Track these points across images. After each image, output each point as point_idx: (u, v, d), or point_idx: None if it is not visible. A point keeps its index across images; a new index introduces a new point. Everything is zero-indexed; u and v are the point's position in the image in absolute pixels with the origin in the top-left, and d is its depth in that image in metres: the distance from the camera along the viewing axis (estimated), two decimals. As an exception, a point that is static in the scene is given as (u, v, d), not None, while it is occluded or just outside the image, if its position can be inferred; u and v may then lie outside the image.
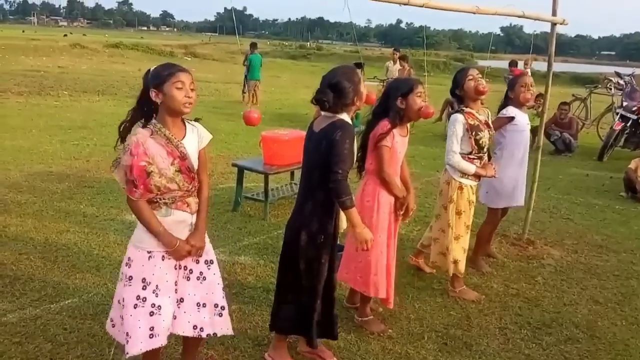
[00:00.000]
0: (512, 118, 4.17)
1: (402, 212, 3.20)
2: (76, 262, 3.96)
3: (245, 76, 13.99)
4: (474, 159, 3.57)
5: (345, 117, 2.61)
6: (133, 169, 2.19)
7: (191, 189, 2.35)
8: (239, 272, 3.95)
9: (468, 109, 3.57)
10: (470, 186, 3.62)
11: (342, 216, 2.67)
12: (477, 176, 3.62)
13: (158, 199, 2.28)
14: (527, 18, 4.17)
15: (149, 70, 2.32)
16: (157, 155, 2.24)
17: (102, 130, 9.16)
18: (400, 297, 3.62)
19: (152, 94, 2.27)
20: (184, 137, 2.34)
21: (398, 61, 12.04)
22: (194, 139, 2.39)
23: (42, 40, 31.12)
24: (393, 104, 3.06)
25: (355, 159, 3.20)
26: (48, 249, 4.17)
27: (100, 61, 24.70)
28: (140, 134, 2.24)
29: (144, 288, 2.30)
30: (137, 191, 2.22)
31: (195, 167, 2.36)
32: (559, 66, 35.12)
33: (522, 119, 4.15)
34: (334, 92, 2.58)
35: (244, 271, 3.95)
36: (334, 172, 2.46)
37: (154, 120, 2.30)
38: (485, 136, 3.57)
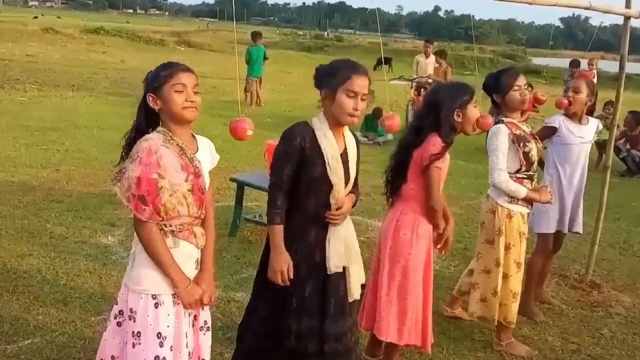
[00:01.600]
0: (554, 129, 4.15)
1: (440, 245, 3.21)
2: (39, 294, 3.98)
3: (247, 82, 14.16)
4: (523, 178, 3.55)
5: (319, 118, 2.65)
6: (142, 182, 2.16)
7: (200, 215, 2.35)
8: (236, 311, 3.94)
9: (509, 119, 3.58)
10: (521, 214, 3.59)
11: (334, 254, 2.63)
12: (528, 201, 3.58)
13: (163, 226, 2.27)
14: (594, 10, 4.17)
15: (149, 73, 2.36)
16: (170, 167, 2.23)
17: (76, 133, 9.29)
18: (433, 350, 3.57)
19: (149, 100, 2.29)
20: (197, 151, 2.36)
21: (432, 56, 12.06)
22: (207, 155, 2.42)
23: (8, 22, 31.77)
24: (447, 117, 3.07)
25: (386, 181, 3.22)
26: (6, 277, 4.20)
27: (76, 49, 25.17)
28: (152, 140, 2.24)
29: (161, 345, 2.20)
30: (146, 210, 2.18)
31: (207, 188, 2.38)
32: (632, 67, 34.97)
33: (571, 130, 4.14)
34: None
35: (242, 311, 3.93)
36: (270, 180, 2.62)
37: (162, 128, 2.31)
38: (534, 149, 3.56)
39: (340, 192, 2.62)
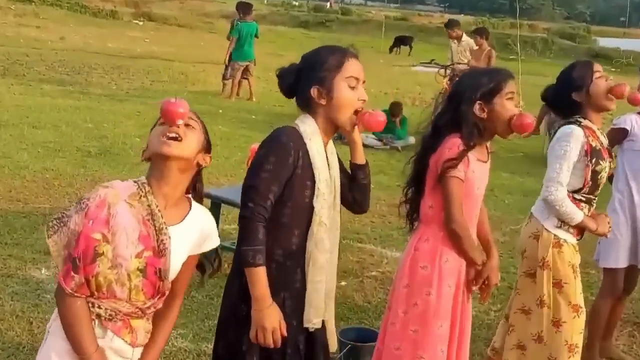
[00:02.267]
0: (624, 131, 4.18)
1: (477, 287, 3.18)
2: (-50, 343, 3.98)
3: (230, 55, 14.08)
4: (581, 201, 3.55)
5: (304, 121, 2.66)
6: (80, 240, 2.16)
7: (147, 309, 2.31)
8: (208, 368, 3.94)
9: (588, 122, 3.56)
10: (573, 245, 3.59)
11: (315, 308, 2.64)
12: (580, 230, 3.58)
13: (90, 305, 2.22)
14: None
15: None
16: (122, 232, 2.20)
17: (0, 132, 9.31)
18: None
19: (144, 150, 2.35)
20: (179, 221, 2.31)
21: (466, 39, 12.08)
22: (191, 235, 2.35)
23: None
24: (467, 112, 3.04)
25: (405, 197, 3.23)
26: None
27: (1, 23, 25.27)
28: (113, 190, 2.23)
29: None
30: (75, 278, 2.16)
31: (171, 276, 2.32)
32: None
33: None
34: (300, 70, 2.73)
35: (216, 368, 3.93)
36: (242, 205, 2.56)
37: (143, 177, 2.29)
38: (606, 168, 3.56)
39: (327, 221, 2.62)
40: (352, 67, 2.60)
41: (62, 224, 2.19)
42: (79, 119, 10.49)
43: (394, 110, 10.71)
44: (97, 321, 2.23)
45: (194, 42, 25.55)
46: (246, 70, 13.93)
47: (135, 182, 2.26)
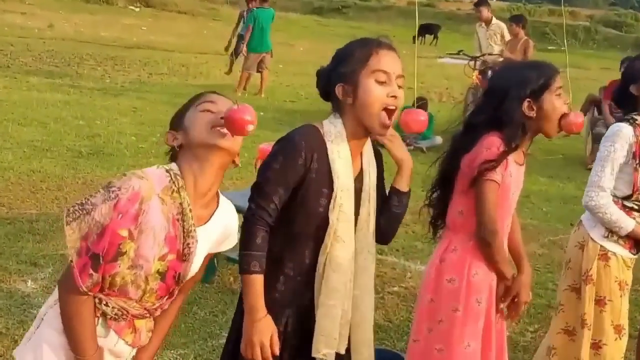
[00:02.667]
0: None
1: (506, 304, 3.18)
2: None
3: (238, 45, 14.11)
4: (632, 209, 3.54)
5: (332, 122, 2.64)
6: (106, 234, 2.15)
7: (154, 310, 2.36)
8: (211, 393, 3.95)
9: None
10: (623, 258, 3.58)
11: (323, 334, 2.61)
12: (634, 241, 3.56)
13: (97, 301, 2.24)
14: None
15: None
16: (149, 232, 2.21)
17: (-17, 129, 9.37)
18: None
19: (168, 137, 2.37)
20: (206, 221, 2.36)
21: (496, 22, 12.03)
22: (215, 234, 2.43)
23: None
24: (513, 110, 3.02)
25: (429, 200, 3.23)
26: None
27: (-16, 9, 25.45)
28: (147, 183, 2.21)
29: None
30: (93, 276, 2.17)
31: (186, 278, 2.37)
32: None
33: None
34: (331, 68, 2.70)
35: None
36: (248, 207, 2.59)
37: (175, 165, 2.31)
38: None
39: (346, 237, 2.60)
40: (381, 58, 2.55)
41: (84, 212, 2.16)
42: (69, 115, 10.55)
43: (418, 106, 10.68)
44: (100, 320, 2.26)
45: (196, 31, 25.70)
46: (261, 62, 13.90)
47: (167, 172, 2.26)
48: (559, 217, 7.70)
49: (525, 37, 11.40)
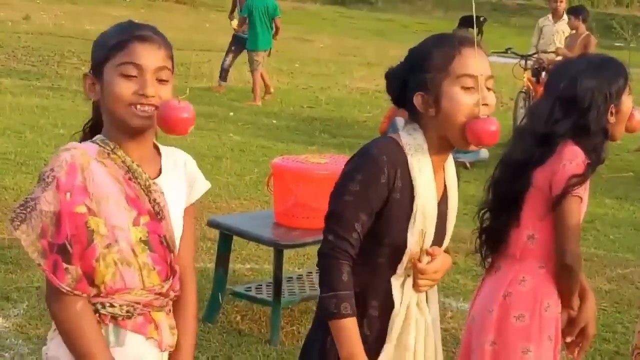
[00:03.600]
0: None
1: (570, 340, 3.20)
2: None
3: (236, 40, 14.22)
4: None
5: (411, 133, 2.62)
6: (63, 220, 2.20)
7: (166, 291, 2.38)
8: None
9: None
10: None
11: None
12: None
13: (98, 306, 2.28)
14: None
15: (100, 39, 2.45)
16: (107, 197, 2.28)
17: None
18: None
19: (86, 83, 2.40)
20: (158, 174, 2.43)
21: (566, 17, 12.04)
22: (178, 181, 2.49)
23: None
24: (601, 117, 3.10)
25: (481, 226, 3.24)
26: None
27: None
28: (78, 149, 2.30)
29: None
30: (69, 270, 2.21)
31: (178, 240, 2.42)
32: None
33: None
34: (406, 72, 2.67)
35: None
36: (323, 239, 2.58)
37: (100, 135, 2.40)
38: None
39: (419, 262, 2.61)
40: (467, 61, 2.53)
41: (29, 209, 2.22)
42: (48, 123, 10.61)
43: None
44: (111, 325, 2.30)
45: (197, 24, 25.81)
46: (259, 63, 13.84)
47: (93, 142, 2.36)
48: (629, 247, 7.63)
49: (587, 32, 11.36)
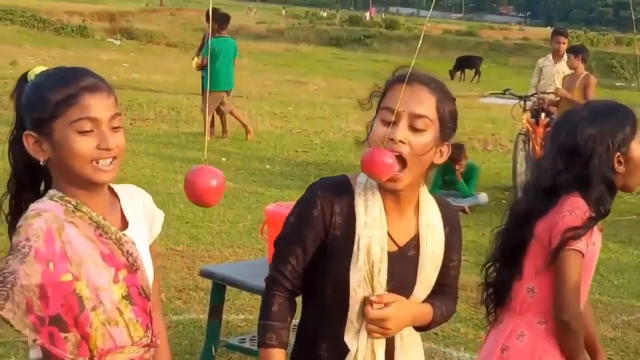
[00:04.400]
0: None
1: None
2: None
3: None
4: None
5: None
6: (48, 293, 2.15)
7: (151, 341, 2.37)
8: None
9: None
10: None
11: None
12: None
13: None
14: None
15: (21, 81, 2.36)
16: (87, 259, 2.25)
17: None
18: None
19: (28, 143, 2.29)
20: (122, 220, 2.41)
21: (566, 56, 12.10)
22: (142, 223, 2.49)
23: None
24: (604, 167, 3.06)
25: (485, 277, 3.22)
26: None
27: None
28: (48, 214, 2.24)
29: None
30: (69, 338, 2.18)
31: (151, 284, 2.41)
32: None
33: None
34: None
35: None
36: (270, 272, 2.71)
37: (53, 190, 2.34)
38: None
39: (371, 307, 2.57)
40: (392, 94, 2.55)
41: (9, 285, 2.14)
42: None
43: (455, 157, 10.55)
44: None
45: (188, 68, 25.70)
46: (220, 104, 13.92)
47: (51, 199, 2.29)
48: (633, 292, 7.58)
49: (586, 72, 11.39)
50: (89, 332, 2.20)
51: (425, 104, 2.50)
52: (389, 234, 2.58)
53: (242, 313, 6.21)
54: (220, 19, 14.14)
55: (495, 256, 3.21)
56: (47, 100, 2.24)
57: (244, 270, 5.49)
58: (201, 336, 5.51)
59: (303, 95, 21.69)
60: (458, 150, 10.67)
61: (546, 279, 3.03)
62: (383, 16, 66.32)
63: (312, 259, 2.59)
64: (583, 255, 2.98)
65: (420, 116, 2.48)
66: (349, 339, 2.57)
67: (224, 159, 12.22)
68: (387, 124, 2.50)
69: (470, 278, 5.56)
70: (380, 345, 2.59)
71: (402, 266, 2.58)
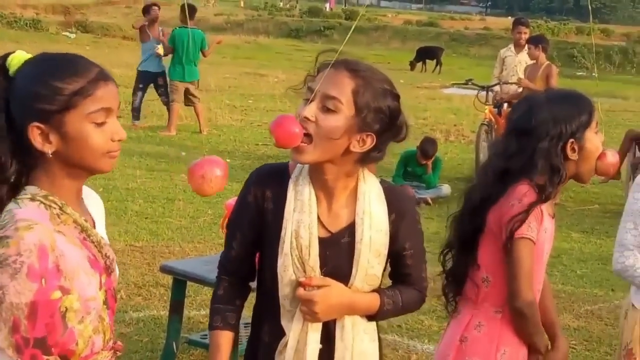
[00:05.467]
0: None
1: None
2: None
3: (141, 76, 14.46)
4: None
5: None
6: (38, 313, 2.09)
7: (117, 344, 2.35)
8: None
9: None
10: None
11: None
12: None
13: None
14: None
15: (7, 63, 2.19)
16: (78, 271, 2.17)
17: None
18: None
19: (33, 134, 2.17)
20: (94, 225, 2.35)
21: (527, 47, 12.18)
22: (101, 220, 2.54)
23: None
24: (554, 153, 3.07)
25: (442, 267, 3.25)
26: None
27: None
28: (39, 227, 2.12)
29: None
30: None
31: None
32: None
33: None
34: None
35: None
36: None
37: (34, 188, 2.21)
38: None
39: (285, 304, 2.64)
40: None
41: None
42: None
43: (425, 149, 10.42)
44: None
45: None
46: (187, 93, 13.93)
47: (32, 199, 2.17)
48: (596, 282, 7.67)
49: (548, 62, 11.48)
50: (73, 349, 2.15)
51: (340, 87, 2.54)
52: (319, 219, 2.62)
53: (203, 309, 6.20)
54: (191, 11, 13.99)
55: (452, 243, 3.23)
56: (58, 91, 2.15)
57: (205, 265, 5.48)
58: (162, 333, 5.51)
59: (263, 87, 21.65)
60: (430, 145, 10.67)
61: (500, 268, 3.06)
62: (343, 7, 66.28)
63: (256, 244, 2.71)
64: (534, 243, 3.01)
65: (331, 97, 2.52)
66: (284, 322, 2.65)
67: (183, 153, 12.18)
68: (306, 102, 2.59)
69: (434, 269, 5.58)
70: (315, 330, 2.63)
71: (335, 252, 2.62)
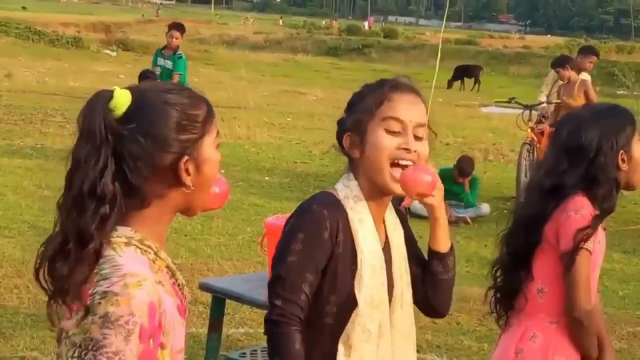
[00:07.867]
0: None
1: None
2: None
3: None
4: None
5: (346, 184, 2.66)
6: None
7: None
8: None
9: None
10: None
11: None
12: None
13: None
14: None
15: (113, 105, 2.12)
16: (175, 324, 2.07)
17: None
18: None
19: (184, 169, 2.03)
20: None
21: (552, 72, 11.98)
22: None
23: None
24: (610, 165, 3.14)
25: (494, 278, 3.25)
26: None
27: None
28: (147, 282, 2.00)
29: None
30: None
31: None
32: None
33: None
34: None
35: None
36: (269, 305, 2.56)
37: (128, 230, 2.06)
38: None
39: (373, 326, 2.54)
40: (394, 104, 2.55)
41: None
42: (32, 184, 10.58)
43: (462, 167, 10.43)
44: None
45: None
46: None
47: (127, 243, 2.03)
48: (639, 303, 7.60)
49: (580, 78, 11.24)
50: None
51: (423, 112, 2.58)
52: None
53: (242, 327, 6.21)
54: (174, 28, 14.00)
55: (504, 260, 3.25)
56: (194, 115, 2.06)
57: (244, 283, 5.49)
58: (201, 350, 5.50)
59: (301, 105, 21.69)
60: (467, 163, 10.60)
61: (556, 279, 3.10)
62: (382, 25, 66.37)
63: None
64: (591, 254, 3.05)
65: (422, 125, 2.55)
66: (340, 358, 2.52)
67: (222, 170, 12.17)
68: (393, 134, 2.52)
69: (473, 290, 5.57)
70: None
71: (387, 268, 2.61)
